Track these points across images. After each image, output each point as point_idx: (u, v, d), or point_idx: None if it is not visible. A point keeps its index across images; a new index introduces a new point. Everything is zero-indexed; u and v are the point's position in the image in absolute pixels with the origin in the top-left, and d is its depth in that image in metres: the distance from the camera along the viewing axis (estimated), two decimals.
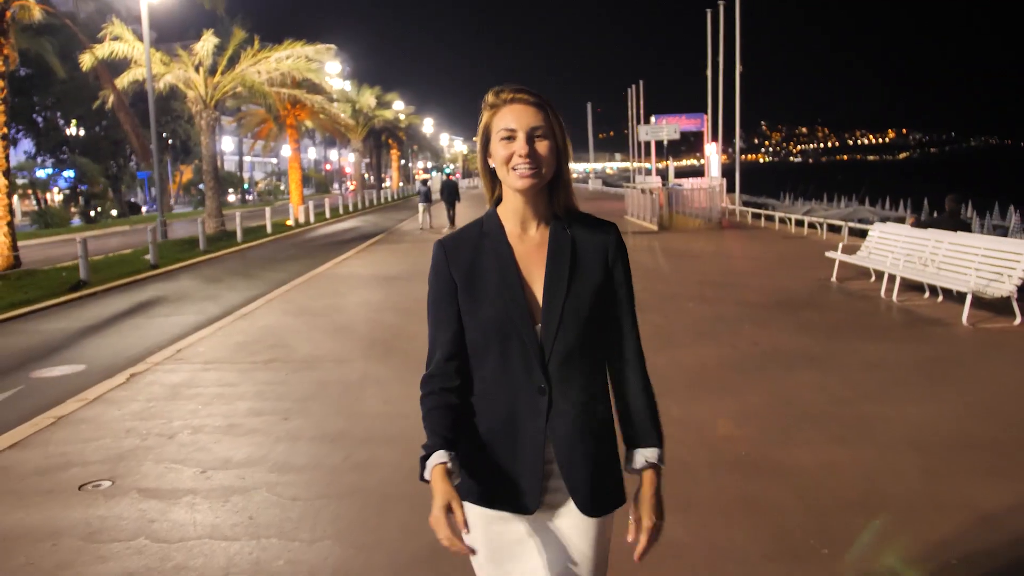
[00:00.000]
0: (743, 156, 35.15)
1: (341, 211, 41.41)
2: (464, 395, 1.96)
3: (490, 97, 1.95)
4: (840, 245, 12.66)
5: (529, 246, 1.96)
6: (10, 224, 16.10)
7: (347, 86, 53.87)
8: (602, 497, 1.93)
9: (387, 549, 3.80)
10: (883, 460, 4.82)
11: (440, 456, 1.85)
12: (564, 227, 1.97)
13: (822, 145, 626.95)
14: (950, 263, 9.64)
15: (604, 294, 1.97)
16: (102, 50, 22.58)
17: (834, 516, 4.05)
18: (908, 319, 9.13)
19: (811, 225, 20.41)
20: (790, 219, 21.73)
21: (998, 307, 9.03)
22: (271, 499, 4.49)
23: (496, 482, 1.91)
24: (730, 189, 30.17)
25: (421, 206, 27.12)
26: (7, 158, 16.04)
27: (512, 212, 1.96)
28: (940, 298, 9.97)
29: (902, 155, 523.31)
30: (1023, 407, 5.81)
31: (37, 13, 17.33)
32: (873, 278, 11.40)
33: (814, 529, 3.90)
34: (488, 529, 1.94)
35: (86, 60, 23.21)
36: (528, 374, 1.89)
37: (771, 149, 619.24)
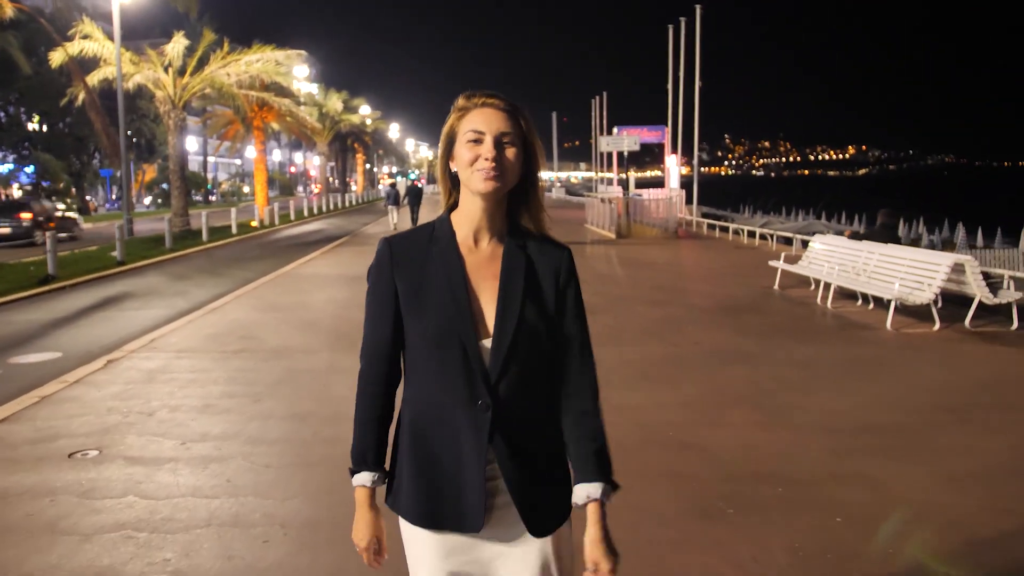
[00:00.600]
0: (706, 168, 36.24)
1: (306, 213, 41.61)
2: (391, 404, 1.95)
3: (460, 100, 1.89)
4: (783, 255, 13.38)
5: (480, 258, 1.90)
6: None
7: (314, 89, 54.09)
8: (549, 515, 1.88)
9: (351, 506, 4.30)
10: (795, 441, 5.44)
11: (364, 479, 1.92)
12: (519, 245, 1.91)
13: (784, 159, 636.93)
14: (879, 273, 10.37)
15: (555, 317, 1.91)
16: (72, 48, 22.71)
17: (745, 484, 4.65)
18: (839, 323, 9.83)
19: (763, 236, 21.23)
20: (743, 230, 22.57)
21: (921, 314, 9.75)
22: (246, 466, 4.97)
23: (439, 501, 1.85)
24: (689, 200, 31.04)
25: (390, 208, 28.30)
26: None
27: (467, 220, 1.90)
28: (871, 305, 10.69)
29: (861, 171, 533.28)
30: (927, 399, 6.48)
31: (9, 11, 17.55)
32: (812, 286, 12.12)
33: (726, 495, 4.49)
34: (437, 557, 1.88)
35: (56, 58, 23.35)
36: (470, 389, 1.82)
37: (734, 162, 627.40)
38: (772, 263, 12.99)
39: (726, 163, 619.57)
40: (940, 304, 9.44)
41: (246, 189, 75.79)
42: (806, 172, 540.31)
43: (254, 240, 26.54)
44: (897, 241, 11.54)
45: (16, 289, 13.83)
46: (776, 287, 12.48)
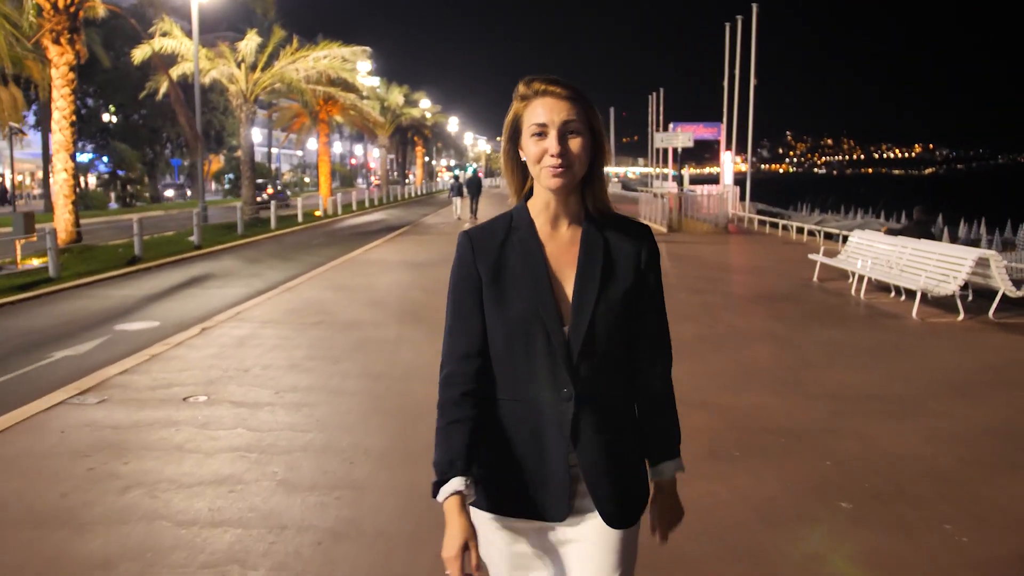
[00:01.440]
0: (767, 166, 36.58)
1: (367, 204, 42.99)
2: (484, 400, 1.88)
3: (521, 87, 1.86)
4: (822, 249, 13.96)
5: (559, 244, 1.88)
6: (74, 203, 17.71)
7: (376, 83, 55.51)
8: (627, 507, 1.88)
9: (420, 441, 5.21)
10: (803, 405, 6.19)
11: (456, 484, 1.80)
12: (597, 228, 1.89)
13: (847, 157, 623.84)
14: (911, 266, 10.94)
15: (635, 299, 1.88)
16: (154, 45, 24.15)
17: (752, 435, 5.43)
18: (868, 312, 10.45)
19: (811, 233, 21.67)
20: (791, 227, 23.01)
21: (949, 305, 10.31)
22: (331, 410, 5.93)
23: (521, 491, 1.85)
24: (744, 197, 31.44)
25: (454, 199, 29.70)
26: (74, 143, 17.65)
27: (543, 208, 1.89)
28: (903, 297, 11.26)
29: (928, 170, 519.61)
30: (932, 376, 7.14)
31: (101, 11, 18.94)
32: (849, 279, 12.69)
33: (734, 441, 5.29)
34: (509, 542, 1.90)
35: (138, 54, 24.83)
36: (554, 376, 1.81)
37: (796, 159, 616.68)
38: (811, 256, 13.58)
39: (787, 160, 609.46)
40: (971, 297, 10.01)
41: (308, 180, 77.95)
42: (870, 170, 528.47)
43: (319, 228, 27.82)
44: (931, 237, 12.06)
45: (109, 268, 15.15)
46: (815, 279, 13.08)
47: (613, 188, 69.43)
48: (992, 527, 4.04)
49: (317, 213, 33.99)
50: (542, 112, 1.81)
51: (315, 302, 10.90)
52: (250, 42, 26.39)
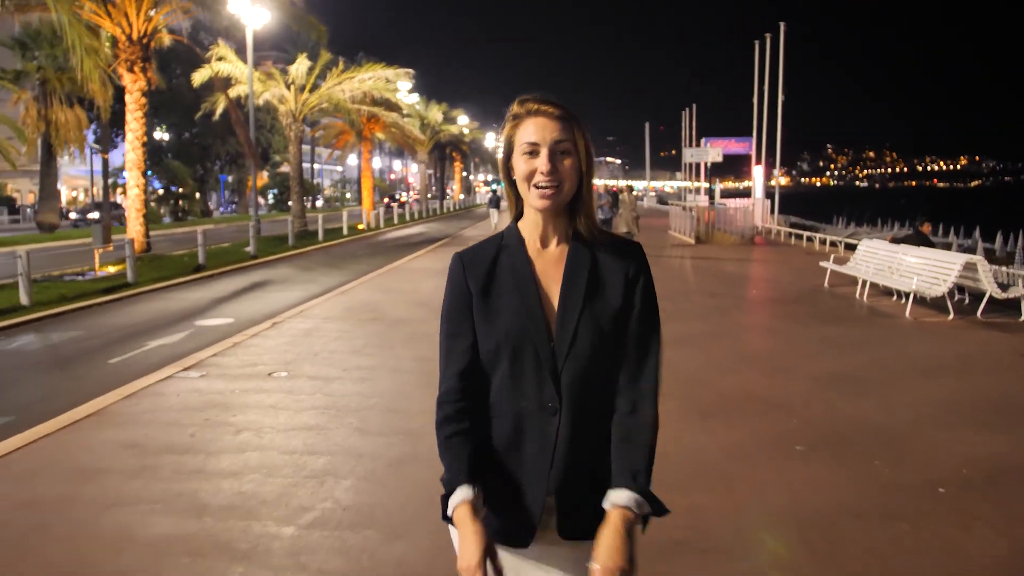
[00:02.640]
0: (807, 179, 37.33)
1: (407, 218, 44.57)
2: (481, 415, 1.89)
3: (515, 107, 1.90)
4: (832, 256, 14.98)
5: (548, 261, 1.91)
6: (145, 216, 19.34)
7: (414, 98, 57.30)
8: (584, 522, 1.82)
9: None
10: (785, 383, 7.33)
11: (465, 492, 1.78)
12: (585, 246, 1.91)
13: (890, 170, 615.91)
14: (909, 271, 11.96)
15: (622, 317, 1.88)
16: (210, 69, 25.89)
17: (735, 403, 6.60)
18: (867, 313, 11.50)
19: (832, 244, 22.60)
20: (815, 238, 23.95)
21: (943, 307, 11.31)
22: (390, 383, 7.21)
23: (495, 512, 1.84)
24: (774, 210, 32.35)
25: (491, 210, 31.14)
26: (145, 161, 19.30)
27: (532, 227, 1.93)
28: (903, 300, 12.27)
29: (974, 183, 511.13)
30: (906, 363, 8.21)
31: (167, 41, 20.64)
32: (858, 284, 13.71)
33: (719, 407, 6.45)
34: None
35: (197, 77, 26.59)
36: (540, 391, 1.82)
37: (837, 172, 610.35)
38: (822, 264, 14.63)
39: (828, 173, 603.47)
40: (968, 300, 11.01)
41: (348, 195, 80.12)
42: (913, 183, 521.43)
43: (363, 240, 29.33)
44: (930, 245, 13.05)
45: (177, 275, 16.69)
46: (826, 285, 14.12)
47: (649, 202, 70.40)
48: (910, 464, 5.16)
49: (360, 226, 35.56)
50: (533, 131, 1.85)
51: (368, 303, 12.23)
52: (300, 66, 28.09)
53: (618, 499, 1.77)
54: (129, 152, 19.20)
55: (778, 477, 4.93)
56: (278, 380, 7.33)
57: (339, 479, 4.83)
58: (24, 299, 12.27)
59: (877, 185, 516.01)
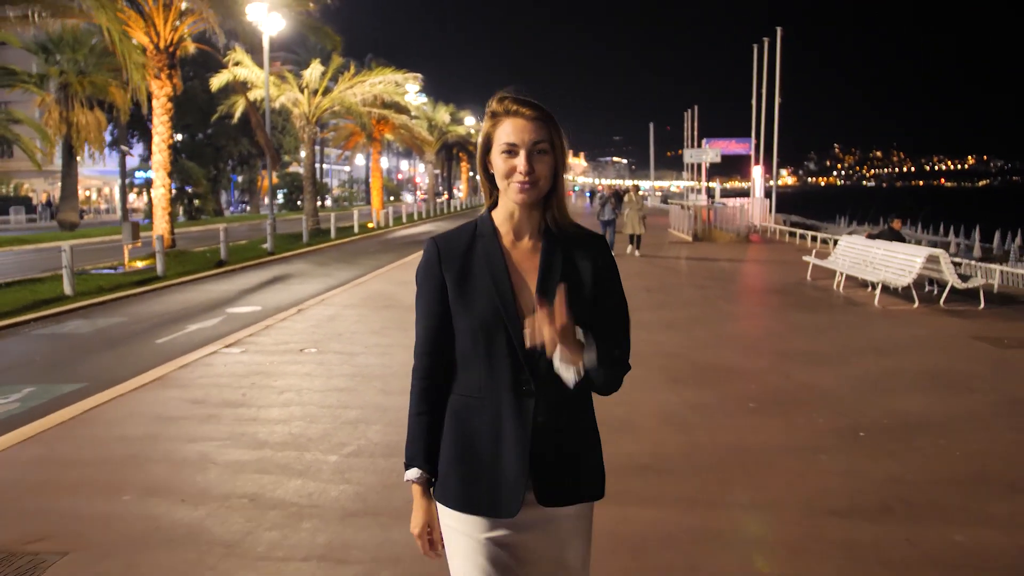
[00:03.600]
0: (813, 178, 38.11)
1: (415, 217, 45.69)
2: (443, 394, 2.06)
3: (494, 104, 2.00)
4: (814, 251, 16.01)
5: (522, 252, 2.04)
6: (170, 214, 20.47)
7: (422, 98, 58.43)
8: (564, 490, 1.99)
9: None
10: (754, 357, 8.38)
11: (413, 475, 2.04)
12: (557, 239, 2.04)
13: (897, 170, 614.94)
14: (881, 264, 12.98)
15: (591, 303, 2.02)
16: (230, 74, 27.01)
17: (707, 371, 7.65)
18: (841, 302, 12.53)
19: (824, 240, 23.60)
20: (808, 235, 24.95)
21: (910, 296, 12.32)
22: (407, 357, 8.20)
23: (478, 487, 1.98)
24: (781, 209, 33.35)
25: None
26: (172, 163, 20.43)
27: (507, 218, 2.05)
28: (876, 291, 13.30)
29: (982, 182, 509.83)
30: (865, 343, 9.23)
31: (191, 48, 21.76)
32: (837, 277, 14.73)
33: (691, 374, 7.51)
34: (475, 531, 1.98)
35: (215, 82, 27.72)
36: (515, 375, 1.95)
37: (844, 172, 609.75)
38: (805, 258, 15.65)
39: (835, 173, 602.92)
40: (936, 291, 12.02)
41: (355, 194, 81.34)
42: (920, 183, 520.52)
43: (374, 238, 30.44)
44: (902, 240, 14.08)
45: (201, 269, 17.81)
46: (808, 278, 15.14)
47: (653, 202, 71.41)
48: (842, 417, 6.20)
49: (370, 225, 36.65)
50: (512, 132, 1.95)
51: (382, 293, 13.32)
52: (314, 71, 29.25)
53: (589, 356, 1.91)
54: (155, 154, 20.33)
55: (730, 424, 5.99)
56: (309, 355, 8.41)
57: (369, 425, 5.91)
58: (68, 289, 13.39)
59: (884, 184, 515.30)
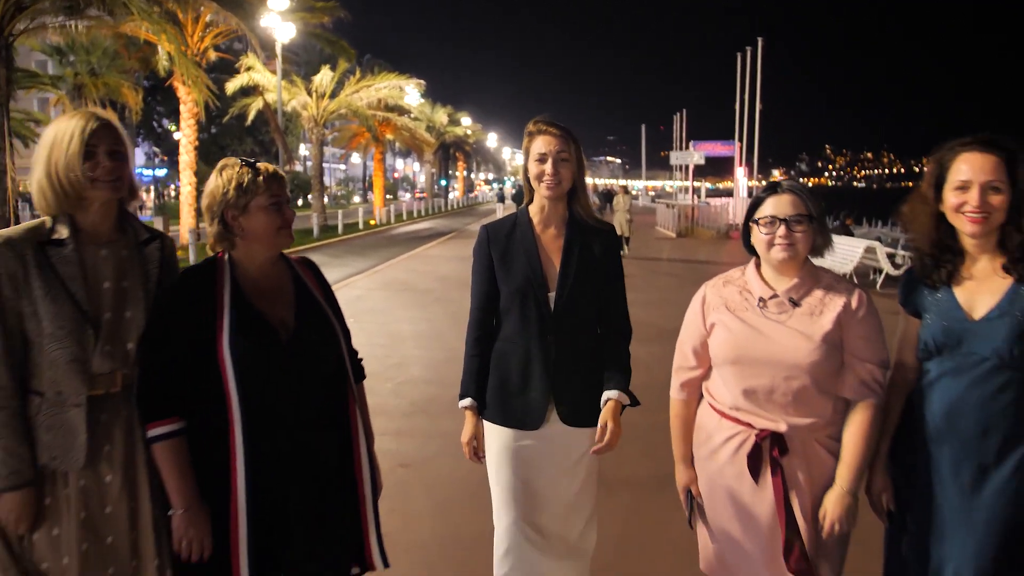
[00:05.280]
0: (804, 179, 40.08)
1: (414, 215, 47.59)
2: (491, 340, 2.85)
3: (530, 126, 2.78)
4: None
5: (548, 237, 2.80)
6: (196, 210, 22.36)
7: (420, 101, 60.27)
8: (580, 415, 2.76)
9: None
10: None
11: (467, 403, 2.83)
12: (578, 228, 2.79)
13: (887, 171, 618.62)
14: (829, 254, 14.95)
15: (601, 278, 2.81)
16: (247, 77, 28.86)
17: (671, 334, 9.60)
18: None
19: None
20: None
21: (853, 281, 14.28)
22: (429, 326, 10.25)
23: (511, 407, 2.78)
24: None
25: (499, 206, 34.45)
26: (197, 161, 22.35)
27: (538, 211, 2.80)
28: None
29: None
30: None
31: (213, 56, 23.66)
32: None
33: (656, 336, 9.48)
34: (508, 441, 2.79)
35: (230, 86, 29.57)
36: (540, 325, 2.73)
37: (835, 173, 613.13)
38: None
39: (826, 174, 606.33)
40: (881, 280, 14.00)
41: (353, 192, 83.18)
42: (910, 184, 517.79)
43: (379, 234, 32.36)
44: (850, 234, 16.11)
45: None
46: None
47: (644, 200, 73.45)
48: None
49: (373, 222, 38.52)
50: (542, 145, 2.71)
51: (398, 279, 15.27)
52: (324, 77, 31.13)
53: (610, 395, 2.72)
54: (183, 155, 22.21)
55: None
56: (350, 323, 10.33)
57: (410, 366, 7.90)
58: None
59: (875, 186, 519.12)
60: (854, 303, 2.43)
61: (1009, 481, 2.23)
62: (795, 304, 2.47)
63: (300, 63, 45.91)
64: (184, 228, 21.84)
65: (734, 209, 32.05)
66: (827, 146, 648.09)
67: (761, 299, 2.51)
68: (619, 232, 17.50)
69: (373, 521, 2.39)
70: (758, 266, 2.60)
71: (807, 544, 2.37)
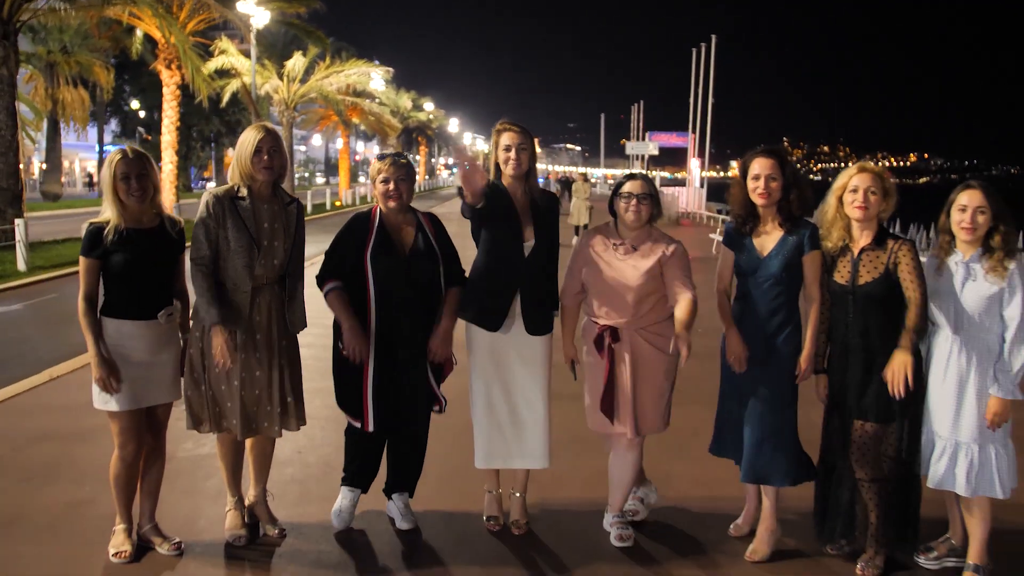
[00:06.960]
0: None
1: None
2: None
3: (498, 125, 3.91)
4: (719, 230, 19.76)
5: (519, 202, 3.98)
6: (177, 188, 23.52)
7: (384, 87, 61.28)
8: (539, 327, 4.04)
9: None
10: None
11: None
12: (539, 196, 4.06)
13: (842, 164, 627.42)
14: None
15: (553, 235, 4.10)
16: (224, 59, 29.85)
17: None
18: None
19: None
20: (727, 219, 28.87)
21: None
22: None
23: (488, 313, 4.02)
24: (718, 199, 37.14)
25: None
26: (179, 142, 23.46)
27: (508, 187, 4.00)
28: None
29: (922, 179, 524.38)
30: None
31: (191, 41, 24.72)
32: None
33: None
34: (486, 337, 4.04)
35: (206, 68, 30.51)
36: (517, 266, 3.94)
37: None
38: (711, 236, 19.38)
39: None
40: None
41: (315, 174, 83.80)
42: None
43: (345, 214, 33.33)
44: None
45: None
46: (713, 251, 18.83)
47: (603, 190, 75.17)
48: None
49: (338, 203, 39.78)
50: (508, 139, 3.92)
51: None
52: (296, 62, 32.27)
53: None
54: (164, 135, 23.33)
55: None
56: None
57: None
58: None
59: (830, 179, 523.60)
60: (669, 250, 4.06)
61: (784, 344, 3.89)
62: (635, 249, 4.03)
63: (266, 45, 46.67)
64: (168, 205, 23.02)
65: (686, 198, 33.85)
66: (784, 139, 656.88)
67: (615, 244, 4.05)
68: (579, 221, 19.88)
69: (434, 379, 4.17)
70: (616, 224, 4.12)
71: (621, 398, 3.98)
